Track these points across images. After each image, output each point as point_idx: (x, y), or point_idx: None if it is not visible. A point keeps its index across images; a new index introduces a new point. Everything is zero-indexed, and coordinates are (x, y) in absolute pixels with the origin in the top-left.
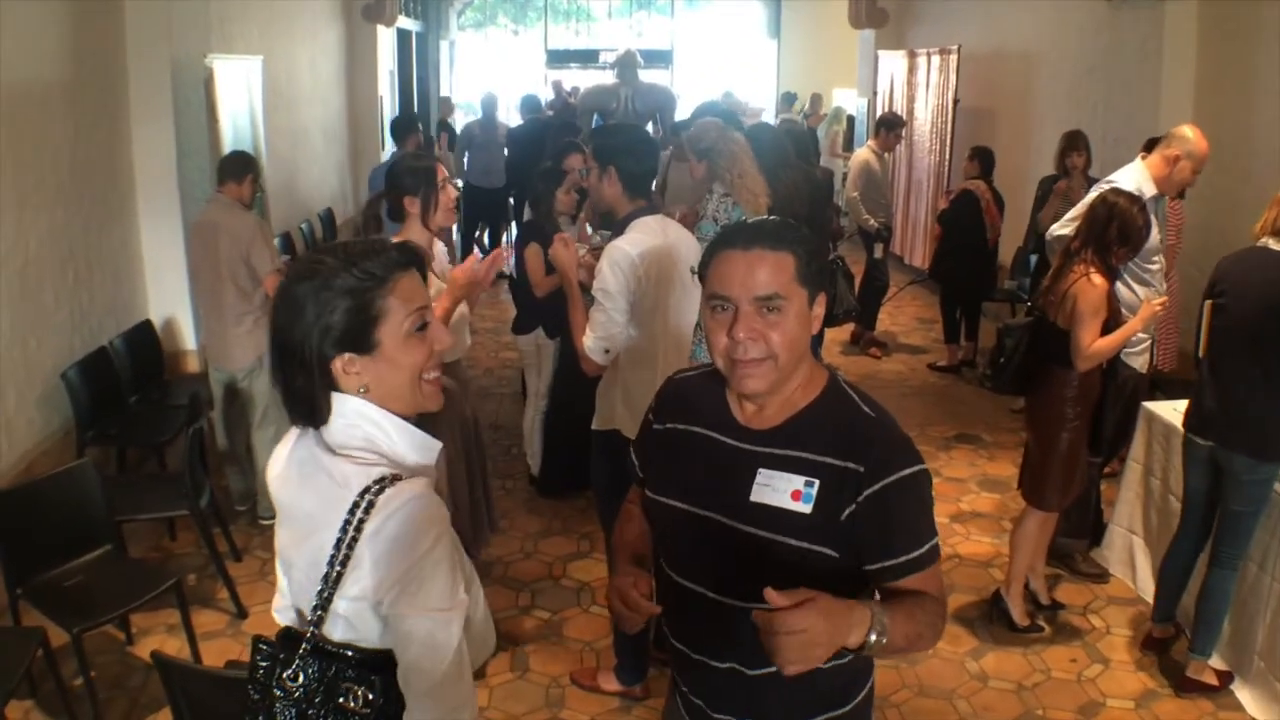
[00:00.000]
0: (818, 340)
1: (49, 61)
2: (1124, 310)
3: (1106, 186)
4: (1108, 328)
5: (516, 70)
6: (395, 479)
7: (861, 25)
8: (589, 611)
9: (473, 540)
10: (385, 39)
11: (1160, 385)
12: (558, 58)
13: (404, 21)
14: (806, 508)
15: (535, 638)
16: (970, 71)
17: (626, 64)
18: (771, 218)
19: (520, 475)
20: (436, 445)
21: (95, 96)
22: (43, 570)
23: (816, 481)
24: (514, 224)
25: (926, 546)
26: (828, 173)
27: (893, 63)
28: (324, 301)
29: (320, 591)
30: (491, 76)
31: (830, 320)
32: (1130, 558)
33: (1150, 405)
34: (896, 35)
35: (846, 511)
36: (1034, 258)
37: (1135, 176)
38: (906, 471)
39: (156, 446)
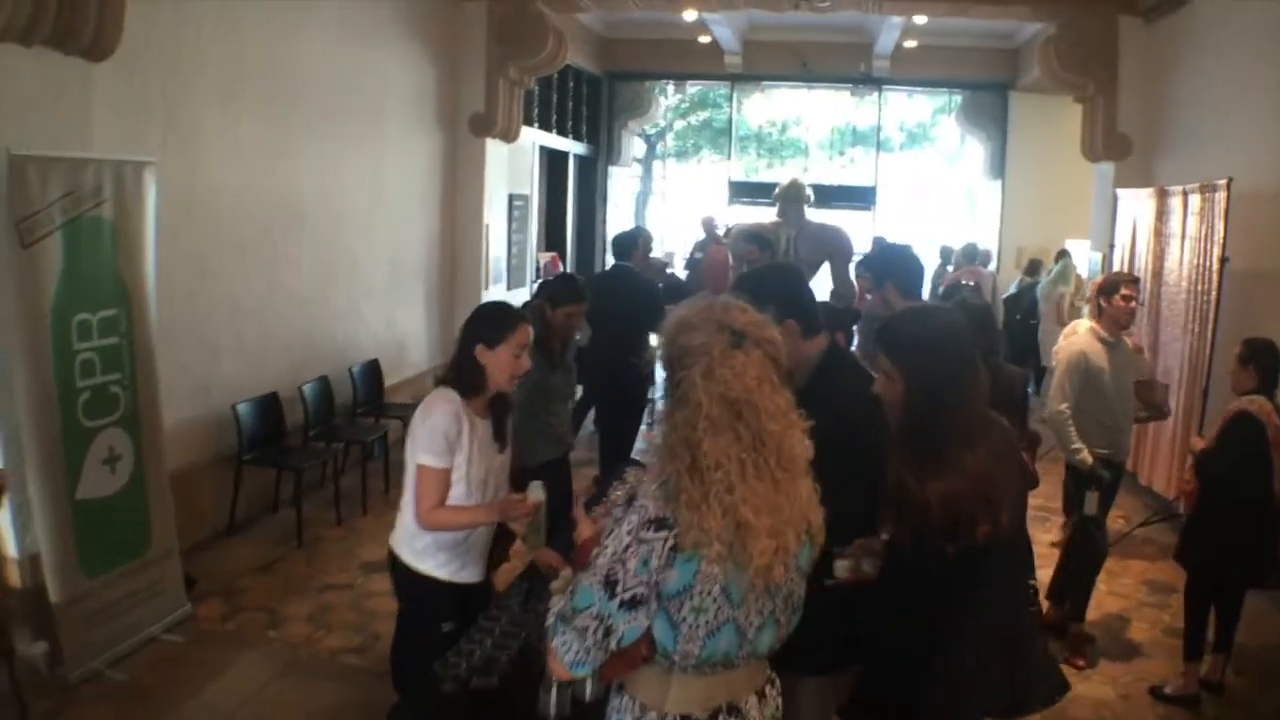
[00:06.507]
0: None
1: None
2: None
3: None
4: None
5: (699, 203)
6: None
7: (1098, 157)
8: None
9: None
10: (502, 156)
11: None
12: (742, 191)
13: (560, 141)
14: None
15: None
16: (1245, 217)
17: (790, 198)
18: None
19: None
20: None
21: None
22: None
23: None
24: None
25: None
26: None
27: (1137, 204)
28: None
29: None
30: (674, 209)
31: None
32: None
33: None
34: (1143, 169)
35: None
36: None
37: None
38: None
39: None
